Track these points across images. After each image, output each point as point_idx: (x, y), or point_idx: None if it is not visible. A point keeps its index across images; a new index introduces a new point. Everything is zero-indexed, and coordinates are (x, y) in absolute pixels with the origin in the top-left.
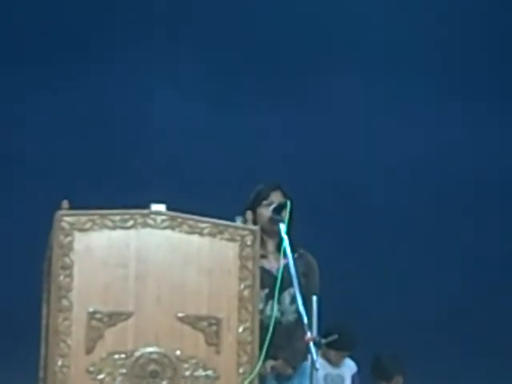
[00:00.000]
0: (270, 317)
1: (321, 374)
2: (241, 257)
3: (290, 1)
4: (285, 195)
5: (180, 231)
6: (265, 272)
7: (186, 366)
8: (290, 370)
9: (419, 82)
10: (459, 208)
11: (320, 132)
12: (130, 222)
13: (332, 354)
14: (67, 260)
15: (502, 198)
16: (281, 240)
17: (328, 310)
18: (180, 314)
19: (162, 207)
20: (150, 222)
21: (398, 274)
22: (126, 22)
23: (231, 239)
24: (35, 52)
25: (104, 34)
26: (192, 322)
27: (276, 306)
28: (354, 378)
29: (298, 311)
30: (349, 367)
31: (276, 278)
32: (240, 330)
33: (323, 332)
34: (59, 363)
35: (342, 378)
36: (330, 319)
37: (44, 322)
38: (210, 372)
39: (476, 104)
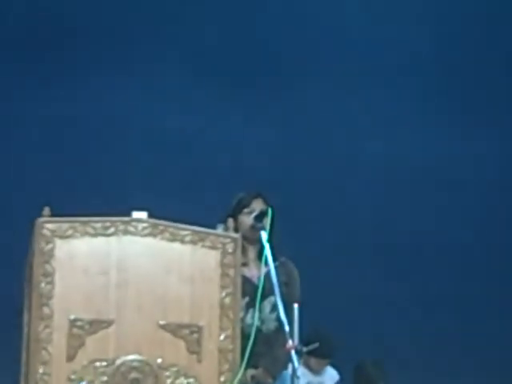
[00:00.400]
0: (250, 325)
1: (302, 382)
2: (222, 264)
3: (269, 14)
4: (266, 203)
5: (161, 239)
6: (245, 280)
7: (167, 373)
8: (270, 380)
9: (397, 93)
10: (451, 218)
11: (299, 140)
12: (111, 230)
13: (312, 361)
14: (48, 267)
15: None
16: (262, 248)
17: (309, 318)
18: (161, 322)
19: (143, 214)
20: (132, 229)
21: (380, 280)
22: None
23: (212, 247)
24: (24, 59)
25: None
26: (173, 329)
27: (257, 315)
28: None
29: (278, 319)
30: (330, 376)
31: (257, 286)
32: (221, 337)
33: (303, 340)
34: (40, 371)
35: None
36: (310, 327)
37: (25, 329)
38: (191, 380)
39: (463, 116)
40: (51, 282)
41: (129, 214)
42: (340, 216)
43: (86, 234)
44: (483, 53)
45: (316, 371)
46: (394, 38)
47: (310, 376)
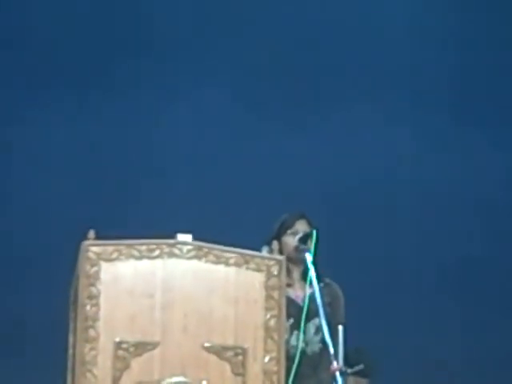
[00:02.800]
0: (294, 347)
1: None
2: (267, 286)
3: (311, 26)
4: (310, 224)
5: (206, 261)
6: (290, 302)
7: None
8: None
9: (446, 111)
10: (488, 236)
11: (345, 160)
12: (156, 252)
13: (351, 381)
14: (94, 290)
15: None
16: (306, 268)
17: (353, 340)
18: (206, 344)
19: (188, 237)
20: (176, 251)
21: (423, 302)
22: (145, 44)
23: (257, 269)
24: (53, 77)
25: (119, 59)
26: (218, 351)
27: (302, 337)
28: None
29: (322, 341)
30: None
31: (301, 307)
32: (266, 359)
33: (344, 360)
34: None
35: None
36: (351, 348)
37: (70, 351)
38: None
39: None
40: (96, 305)
41: (173, 237)
42: (384, 237)
43: (131, 256)
44: None
45: None
46: (440, 60)
47: None
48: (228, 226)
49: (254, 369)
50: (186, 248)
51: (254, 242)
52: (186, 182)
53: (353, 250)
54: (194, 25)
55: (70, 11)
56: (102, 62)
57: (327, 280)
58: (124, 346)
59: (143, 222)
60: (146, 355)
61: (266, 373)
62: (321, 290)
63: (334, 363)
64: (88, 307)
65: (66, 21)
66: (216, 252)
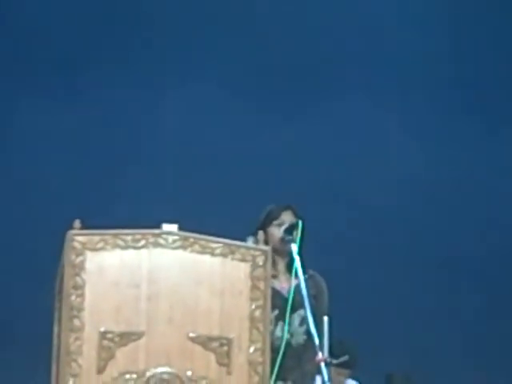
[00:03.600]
0: (279, 338)
1: None
2: (252, 277)
3: (305, 24)
4: (295, 215)
5: (191, 251)
6: (275, 293)
7: None
8: None
9: (432, 100)
10: (476, 227)
11: (333, 151)
12: (142, 242)
13: (332, 371)
14: (79, 280)
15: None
16: (291, 260)
17: (337, 331)
18: (191, 334)
19: (173, 227)
20: (162, 241)
21: (409, 293)
22: (137, 36)
23: (243, 259)
24: (44, 67)
25: (111, 50)
26: (203, 342)
27: (286, 328)
28: None
29: (307, 333)
30: None
31: (286, 299)
32: (251, 350)
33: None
34: (70, 383)
35: None
36: (335, 339)
37: (55, 341)
38: None
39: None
40: (82, 295)
41: (159, 227)
42: (369, 229)
43: (117, 246)
44: None
45: (335, 382)
46: (427, 47)
47: None
48: (214, 217)
49: (239, 359)
50: (171, 238)
51: (239, 233)
52: (173, 172)
53: (341, 241)
54: (186, 16)
55: None
56: (89, 51)
57: (311, 272)
58: (109, 335)
59: (129, 211)
60: (131, 345)
61: (250, 363)
62: (306, 281)
63: (319, 354)
64: (73, 297)
65: (54, 7)
66: (202, 242)
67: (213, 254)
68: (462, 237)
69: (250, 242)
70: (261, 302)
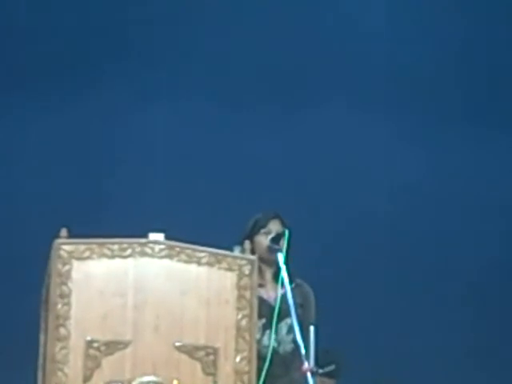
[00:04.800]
0: (266, 347)
1: None
2: (238, 286)
3: (292, 26)
4: (283, 224)
5: (178, 260)
6: (262, 302)
7: None
8: None
9: (423, 108)
10: (465, 232)
11: (322, 159)
12: (128, 251)
13: (318, 381)
14: (65, 288)
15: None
16: (278, 269)
17: (324, 340)
18: (177, 344)
19: (160, 236)
20: (148, 251)
21: (397, 302)
22: (126, 42)
23: (229, 269)
24: (32, 73)
25: (103, 61)
26: (189, 351)
27: (273, 336)
28: None
29: (294, 341)
30: None
31: (273, 308)
32: (237, 359)
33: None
34: None
35: None
36: (321, 348)
37: (42, 349)
38: None
39: (477, 128)
40: (68, 304)
41: (146, 236)
42: (354, 233)
43: (103, 255)
44: None
45: None
46: (414, 54)
47: None
48: (201, 226)
49: (226, 368)
50: (157, 247)
51: (226, 242)
52: (160, 181)
53: (326, 249)
54: (170, 22)
55: (50, 1)
56: (79, 57)
57: (298, 281)
58: (95, 344)
59: (116, 221)
60: (117, 354)
61: (237, 372)
62: (292, 290)
63: (305, 364)
64: (59, 306)
65: (45, 11)
66: (188, 251)
67: (199, 264)
68: (452, 244)
69: (236, 252)
70: (247, 312)
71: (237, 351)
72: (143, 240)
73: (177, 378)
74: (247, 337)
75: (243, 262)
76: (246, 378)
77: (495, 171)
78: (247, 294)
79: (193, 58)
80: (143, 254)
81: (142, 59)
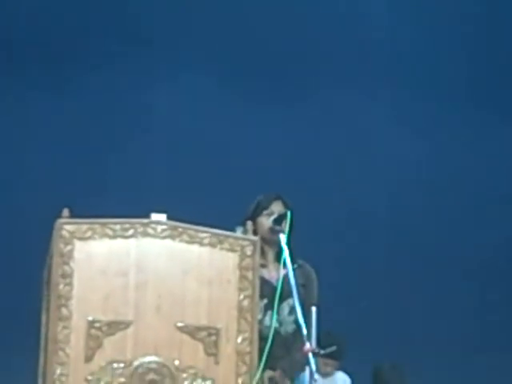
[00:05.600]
0: (268, 327)
1: None
2: (240, 267)
3: (295, 13)
4: (285, 205)
5: (180, 241)
6: (264, 282)
7: (184, 375)
8: (287, 381)
9: (424, 95)
10: (466, 218)
11: (323, 143)
12: (131, 231)
13: (320, 362)
14: (67, 268)
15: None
16: (280, 250)
17: (326, 321)
18: (179, 324)
19: (162, 217)
20: (150, 231)
21: (398, 285)
22: (125, 24)
23: (231, 249)
24: (33, 56)
25: (103, 43)
26: (191, 331)
27: (275, 317)
28: None
29: (296, 322)
30: (342, 380)
31: (275, 288)
32: (239, 340)
33: (316, 342)
34: (58, 371)
35: None
36: (324, 329)
37: (43, 330)
38: (208, 382)
39: (479, 114)
40: (70, 284)
41: (148, 216)
42: (356, 218)
43: (105, 235)
44: None
45: (324, 374)
46: (416, 39)
47: (319, 379)
48: (203, 207)
49: (227, 349)
50: (160, 227)
51: (228, 223)
52: (162, 162)
53: (331, 231)
54: (176, 5)
55: None
56: (77, 40)
57: (301, 261)
58: (97, 325)
59: (118, 201)
60: (118, 334)
61: (238, 353)
62: (294, 271)
63: (307, 344)
64: (61, 286)
65: None
66: (190, 232)
67: (201, 244)
68: (453, 229)
69: (238, 232)
70: (249, 292)
71: (238, 332)
72: (145, 220)
73: (178, 359)
74: (249, 317)
75: (245, 242)
76: (247, 358)
77: (497, 158)
78: (249, 274)
79: (194, 38)
80: (145, 234)
81: (143, 38)
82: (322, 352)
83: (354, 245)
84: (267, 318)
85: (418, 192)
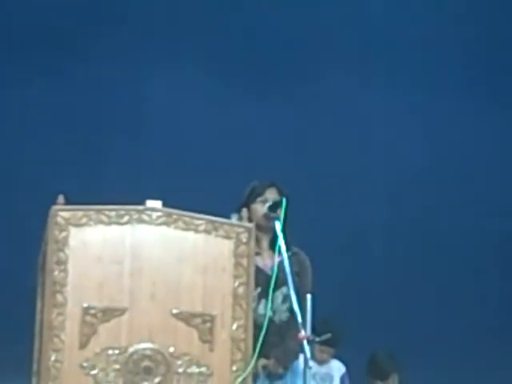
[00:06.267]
0: (262, 315)
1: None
2: (235, 254)
3: (293, 1)
4: (280, 192)
5: (175, 228)
6: (258, 270)
7: (179, 362)
8: (281, 369)
9: (420, 80)
10: (465, 206)
11: (322, 131)
12: (126, 218)
13: (316, 349)
14: (62, 255)
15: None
16: (275, 237)
17: (321, 309)
18: (174, 311)
19: (157, 203)
20: (146, 218)
21: (395, 272)
22: (124, 14)
23: (226, 236)
24: (30, 42)
25: (99, 31)
26: (186, 318)
27: (269, 305)
28: (343, 378)
29: (290, 310)
30: (337, 368)
31: (269, 276)
32: (234, 327)
33: (311, 329)
34: (53, 358)
35: (330, 377)
36: (319, 317)
37: (38, 316)
38: (203, 369)
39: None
40: (65, 270)
41: (143, 203)
42: (353, 205)
43: (100, 222)
44: None
45: (319, 361)
46: (413, 26)
47: (315, 367)
48: (198, 193)
49: (222, 336)
50: (155, 214)
51: (223, 210)
52: (157, 149)
53: (326, 218)
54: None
55: None
56: (76, 27)
57: (295, 249)
58: (92, 311)
59: (114, 188)
60: (113, 321)
61: (233, 340)
62: (289, 258)
63: (302, 332)
64: (56, 272)
65: None
66: (185, 219)
67: (196, 231)
68: (451, 217)
69: (233, 219)
70: (244, 279)
71: (233, 319)
72: (140, 207)
73: (173, 346)
74: (244, 304)
75: (240, 229)
76: (242, 345)
77: (495, 145)
78: (244, 261)
79: (189, 28)
80: (140, 221)
81: (139, 29)
82: (318, 339)
83: (350, 232)
84: (261, 307)
85: (417, 180)
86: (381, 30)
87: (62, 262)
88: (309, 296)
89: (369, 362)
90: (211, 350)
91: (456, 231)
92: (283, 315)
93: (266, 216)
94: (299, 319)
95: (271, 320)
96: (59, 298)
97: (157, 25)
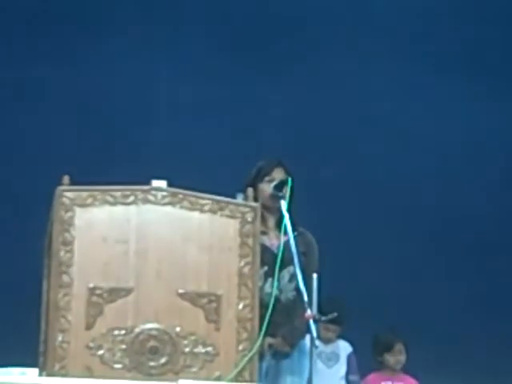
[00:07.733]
0: (268, 294)
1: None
2: (241, 234)
3: None
4: (286, 172)
5: (180, 207)
6: (265, 249)
7: (185, 342)
8: (287, 348)
9: (420, 60)
10: (469, 180)
11: (323, 107)
12: (131, 198)
13: (321, 328)
14: (68, 235)
15: None
16: (281, 217)
17: (326, 288)
18: (180, 291)
19: (162, 183)
20: (151, 198)
21: (401, 252)
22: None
23: (232, 216)
24: (37, 25)
25: (105, 8)
26: (192, 298)
27: (276, 284)
28: (349, 357)
29: (296, 289)
30: (344, 347)
31: (276, 255)
32: (240, 306)
33: (317, 308)
34: (59, 338)
35: (336, 356)
36: (324, 296)
37: (44, 297)
38: (209, 349)
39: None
40: (70, 251)
41: (148, 183)
42: (357, 183)
43: (106, 202)
44: None
45: (325, 340)
46: (420, 7)
47: (321, 346)
48: (203, 173)
49: (228, 315)
50: (160, 194)
51: (229, 189)
52: (162, 128)
53: (328, 197)
54: None
55: None
56: (82, 10)
57: (301, 229)
58: (98, 291)
59: (119, 168)
60: (119, 301)
61: (239, 320)
62: (295, 238)
63: (308, 311)
64: (62, 253)
65: None
66: (191, 198)
67: (202, 211)
68: (456, 192)
69: (239, 199)
70: (250, 259)
71: (239, 298)
72: (146, 187)
73: (179, 326)
74: (250, 284)
75: (246, 209)
76: (248, 325)
77: (498, 120)
78: (250, 241)
79: (194, 5)
80: (146, 201)
81: (143, 8)
82: (323, 318)
83: (355, 211)
84: (267, 285)
85: (420, 156)
86: (382, 6)
87: (67, 243)
88: (315, 275)
89: (372, 341)
90: (217, 329)
91: (464, 206)
92: (290, 294)
93: (272, 196)
94: (305, 298)
95: (277, 299)
96: (65, 278)
97: (166, 4)
